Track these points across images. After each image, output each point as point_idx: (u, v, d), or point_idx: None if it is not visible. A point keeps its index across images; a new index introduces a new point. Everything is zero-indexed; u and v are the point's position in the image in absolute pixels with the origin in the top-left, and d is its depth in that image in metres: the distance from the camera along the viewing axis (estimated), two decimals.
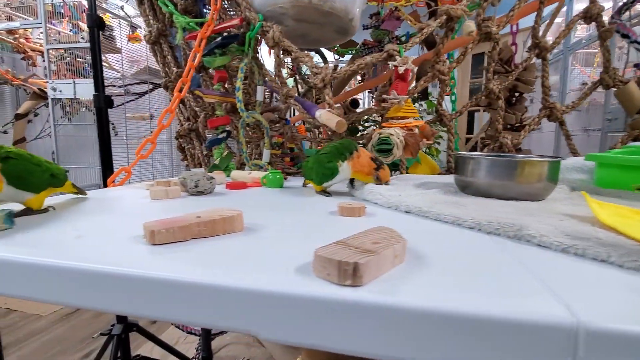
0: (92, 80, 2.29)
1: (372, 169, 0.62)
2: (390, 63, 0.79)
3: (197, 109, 1.13)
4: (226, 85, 1.07)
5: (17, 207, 0.48)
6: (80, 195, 0.61)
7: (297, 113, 1.51)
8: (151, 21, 1.12)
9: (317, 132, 1.56)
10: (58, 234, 0.38)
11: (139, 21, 2.94)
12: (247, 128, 1.06)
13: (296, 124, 1.42)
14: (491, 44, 0.98)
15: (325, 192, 0.66)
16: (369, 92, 2.05)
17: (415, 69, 0.81)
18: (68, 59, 2.80)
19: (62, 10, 2.39)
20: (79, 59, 2.85)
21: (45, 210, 0.49)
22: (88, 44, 2.22)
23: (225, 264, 0.30)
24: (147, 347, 1.66)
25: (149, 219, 0.46)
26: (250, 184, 0.79)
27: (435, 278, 0.27)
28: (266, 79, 1.00)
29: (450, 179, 0.83)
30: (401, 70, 0.77)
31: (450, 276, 0.27)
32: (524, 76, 1.06)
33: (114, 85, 2.93)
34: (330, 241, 0.36)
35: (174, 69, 1.12)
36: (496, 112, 1.03)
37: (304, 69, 1.59)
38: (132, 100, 2.84)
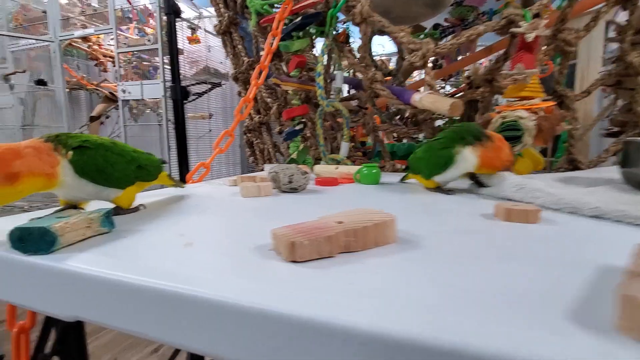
0: (157, 81, 2.36)
1: (510, 164, 0.50)
2: (514, 30, 0.64)
3: (268, 100, 1.05)
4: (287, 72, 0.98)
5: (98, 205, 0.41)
6: (178, 187, 0.55)
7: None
8: (222, 10, 1.06)
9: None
10: (162, 240, 0.30)
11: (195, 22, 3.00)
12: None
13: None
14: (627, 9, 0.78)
15: (442, 190, 0.53)
16: (442, 79, 1.86)
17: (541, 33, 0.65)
18: (135, 62, 2.94)
19: (130, 15, 2.50)
20: (144, 62, 2.98)
21: (136, 209, 0.42)
22: (154, 46, 2.29)
23: (427, 301, 0.18)
24: None
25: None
26: (341, 180, 0.68)
27: None
28: (345, 63, 0.89)
29: (590, 173, 0.66)
30: (530, 37, 0.62)
31: None
32: None
33: None
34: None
35: (245, 59, 1.06)
36: (634, 92, 0.82)
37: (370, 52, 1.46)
38: (192, 100, 2.91)
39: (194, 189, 0.63)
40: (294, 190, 0.56)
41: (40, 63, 2.88)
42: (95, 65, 3.35)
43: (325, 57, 0.87)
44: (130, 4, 2.43)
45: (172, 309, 0.21)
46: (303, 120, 0.94)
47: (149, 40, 2.30)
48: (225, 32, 1.08)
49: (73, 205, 0.41)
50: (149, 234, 0.32)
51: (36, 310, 0.26)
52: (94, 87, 3.23)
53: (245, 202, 0.49)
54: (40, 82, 2.57)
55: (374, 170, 0.66)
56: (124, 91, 2.36)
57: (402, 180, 0.67)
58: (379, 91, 0.84)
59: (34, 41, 2.66)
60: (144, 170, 0.43)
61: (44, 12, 2.67)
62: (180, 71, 2.94)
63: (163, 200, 0.50)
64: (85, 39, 2.82)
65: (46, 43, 2.58)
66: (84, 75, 3.30)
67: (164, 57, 2.12)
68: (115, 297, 0.23)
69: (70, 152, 0.35)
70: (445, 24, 1.33)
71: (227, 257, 0.26)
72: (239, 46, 1.06)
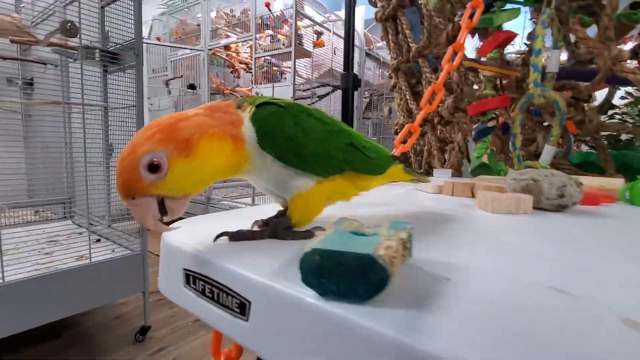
0: (287, 83, 2.43)
1: None
2: None
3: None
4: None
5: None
6: (422, 183, 0.43)
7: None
8: None
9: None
10: (535, 298, 0.15)
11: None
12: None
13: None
14: None
15: None
16: None
17: None
18: (265, 68, 3.14)
19: (268, 22, 2.64)
20: (273, 68, 3.15)
21: None
22: (288, 49, 2.37)
23: None
24: None
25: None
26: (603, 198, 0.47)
27: None
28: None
29: None
30: None
31: None
32: None
33: (300, 90, 3.12)
34: None
35: (413, 45, 0.91)
36: None
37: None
38: (316, 101, 2.95)
39: (382, 192, 0.49)
40: (561, 207, 0.38)
41: (189, 71, 3.31)
42: (231, 72, 3.71)
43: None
44: (270, 11, 2.57)
45: None
46: (494, 115, 0.74)
47: (283, 44, 2.38)
48: (388, 17, 0.95)
49: (283, 212, 0.29)
50: (485, 281, 0.18)
51: None
52: (230, 91, 3.58)
53: (515, 224, 0.33)
54: (192, 87, 2.92)
55: None
56: (257, 94, 2.50)
57: None
58: (626, 75, 0.59)
59: (187, 51, 3.05)
60: (359, 153, 0.27)
61: (198, 25, 3.04)
62: (303, 75, 3.02)
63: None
64: (226, 47, 3.11)
65: (197, 52, 2.92)
66: (222, 81, 3.69)
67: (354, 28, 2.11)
68: None
69: (253, 108, 0.24)
70: None
71: None
72: (407, 30, 0.91)
